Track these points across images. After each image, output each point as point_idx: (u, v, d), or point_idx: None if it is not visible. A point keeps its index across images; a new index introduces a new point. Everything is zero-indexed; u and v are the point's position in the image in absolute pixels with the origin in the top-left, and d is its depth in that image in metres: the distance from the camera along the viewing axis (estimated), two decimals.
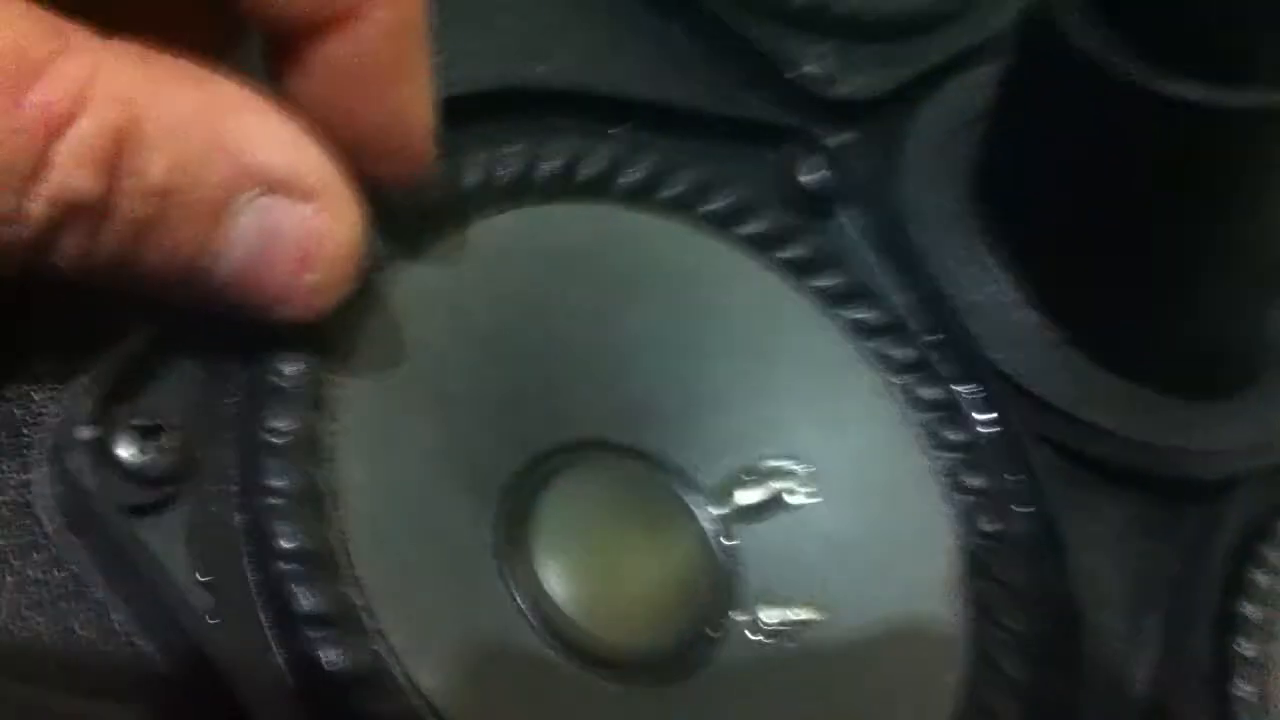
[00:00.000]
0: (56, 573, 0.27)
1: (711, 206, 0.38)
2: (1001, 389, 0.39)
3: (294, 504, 0.29)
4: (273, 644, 0.28)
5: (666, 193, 0.38)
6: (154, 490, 0.28)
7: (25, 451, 0.28)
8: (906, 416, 0.38)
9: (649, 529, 0.36)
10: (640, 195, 0.37)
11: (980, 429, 0.39)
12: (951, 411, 0.38)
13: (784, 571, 0.37)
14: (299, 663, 0.28)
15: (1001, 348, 0.40)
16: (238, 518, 0.29)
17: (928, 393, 0.38)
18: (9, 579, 0.27)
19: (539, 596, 0.34)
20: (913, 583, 0.36)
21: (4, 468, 0.28)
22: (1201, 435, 0.40)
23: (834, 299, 0.39)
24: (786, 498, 0.37)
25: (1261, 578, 0.39)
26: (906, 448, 0.38)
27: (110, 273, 0.26)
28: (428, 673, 0.29)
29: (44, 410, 0.28)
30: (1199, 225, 0.38)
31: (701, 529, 0.37)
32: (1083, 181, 0.40)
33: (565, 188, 0.37)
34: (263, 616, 0.28)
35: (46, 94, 0.24)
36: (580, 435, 0.36)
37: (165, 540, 0.28)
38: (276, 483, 0.29)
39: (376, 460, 0.31)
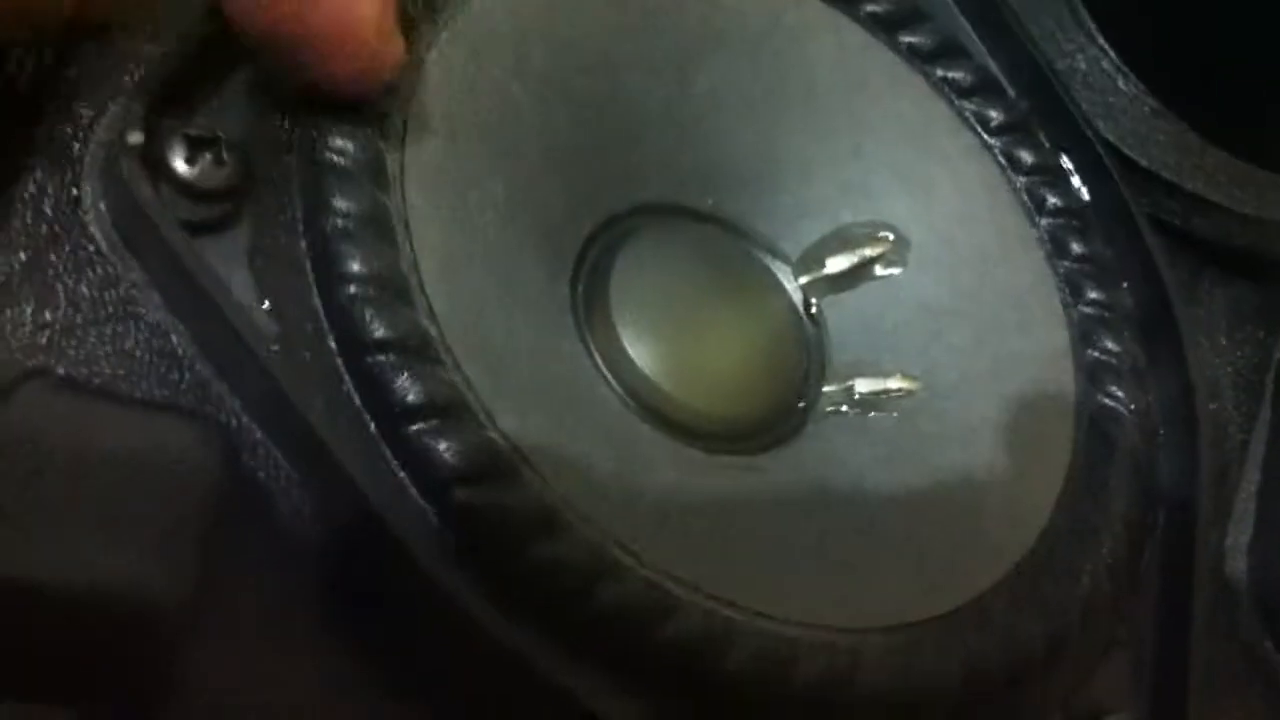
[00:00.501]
0: (111, 292, 0.25)
1: None
2: (1100, 158, 0.37)
3: (361, 227, 0.26)
4: (343, 372, 0.26)
5: None
6: (211, 206, 0.26)
7: (74, 165, 0.26)
8: (1005, 179, 0.35)
9: (732, 295, 0.34)
10: None
11: (1085, 195, 0.36)
12: (1053, 175, 0.36)
13: (876, 341, 0.34)
14: (370, 392, 0.26)
15: (1103, 115, 0.37)
16: (302, 241, 0.26)
17: (1028, 155, 0.36)
18: (61, 297, 0.25)
19: (619, 357, 0.32)
20: (1017, 351, 0.34)
21: (52, 182, 0.26)
22: None
23: (925, 56, 0.36)
24: (877, 267, 0.35)
25: None
26: (1005, 211, 0.35)
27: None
28: (506, 413, 0.26)
29: (92, 122, 0.26)
30: None
31: (788, 296, 0.35)
32: None
33: None
34: (331, 343, 0.26)
35: None
36: (657, 197, 0.34)
37: (226, 262, 0.26)
38: (342, 204, 0.26)
39: (443, 195, 0.29)
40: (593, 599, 0.25)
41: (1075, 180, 0.36)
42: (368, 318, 0.26)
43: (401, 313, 0.26)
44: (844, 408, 0.34)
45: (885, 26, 0.36)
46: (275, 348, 0.25)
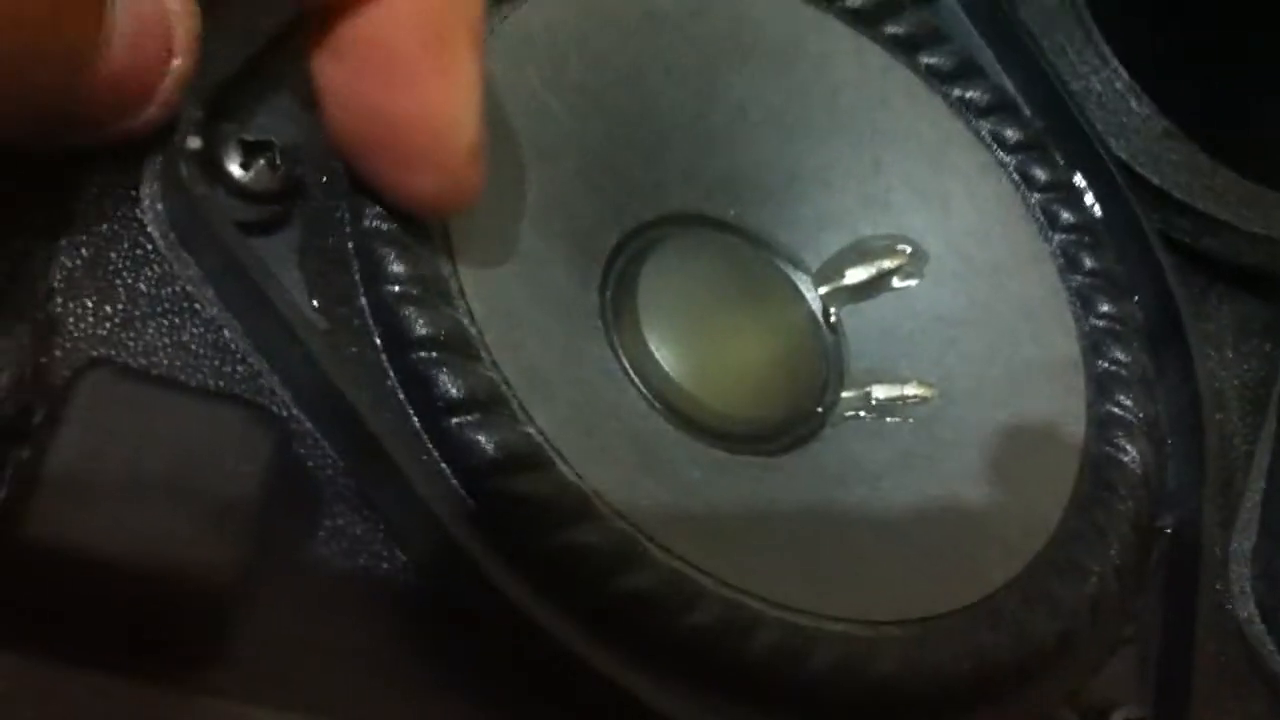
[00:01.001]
0: (168, 288, 0.27)
1: None
2: (1113, 176, 0.38)
3: (405, 230, 0.28)
4: (387, 367, 0.27)
5: None
6: (264, 208, 0.27)
7: (135, 166, 0.27)
8: (1020, 196, 0.37)
9: (754, 303, 0.35)
10: None
11: (1098, 212, 0.37)
12: (1066, 192, 0.37)
13: (893, 350, 0.36)
14: (413, 386, 0.27)
15: (1116, 135, 0.39)
16: (349, 243, 0.28)
17: (1042, 173, 0.37)
18: (121, 292, 0.26)
19: (645, 361, 0.33)
20: (1029, 362, 0.35)
21: (114, 182, 0.27)
22: None
23: (942, 76, 0.37)
24: (894, 278, 0.36)
25: None
26: (1020, 227, 0.36)
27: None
28: (540, 410, 0.28)
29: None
30: None
31: (808, 306, 0.36)
32: None
33: None
34: (377, 340, 0.27)
35: None
36: (683, 207, 0.35)
37: (277, 260, 0.27)
38: (385, 208, 0.28)
39: (482, 201, 0.30)
40: (620, 585, 0.26)
41: (1088, 197, 0.38)
42: (412, 316, 0.27)
43: (443, 312, 0.27)
44: (861, 413, 0.35)
45: (905, 48, 0.37)
46: (324, 343, 0.26)
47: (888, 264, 0.36)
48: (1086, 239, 0.36)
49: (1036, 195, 0.37)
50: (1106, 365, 0.35)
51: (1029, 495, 0.33)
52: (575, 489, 0.27)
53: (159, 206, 0.27)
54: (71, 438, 0.23)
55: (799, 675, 0.27)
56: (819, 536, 0.31)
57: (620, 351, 0.33)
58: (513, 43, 0.32)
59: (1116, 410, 0.34)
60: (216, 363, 0.26)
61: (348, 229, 0.28)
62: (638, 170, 0.34)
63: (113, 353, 0.26)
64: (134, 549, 0.22)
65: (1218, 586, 0.35)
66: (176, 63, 0.26)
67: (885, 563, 0.30)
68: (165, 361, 0.26)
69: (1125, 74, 0.39)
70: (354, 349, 0.27)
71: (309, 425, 0.27)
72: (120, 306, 0.26)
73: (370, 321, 0.27)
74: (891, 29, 0.37)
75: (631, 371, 0.33)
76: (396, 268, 0.27)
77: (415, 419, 0.27)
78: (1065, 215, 0.37)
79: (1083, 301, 0.36)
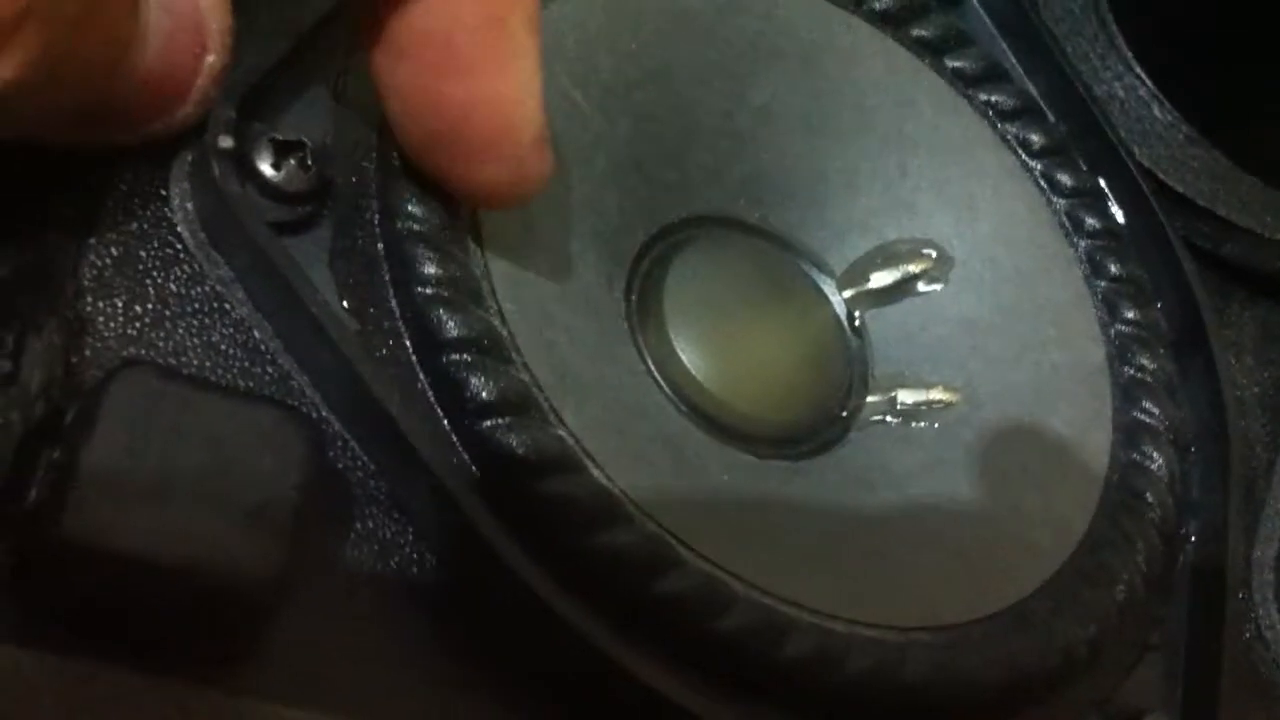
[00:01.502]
0: (198, 288, 0.26)
1: None
2: (1136, 182, 0.38)
3: (436, 231, 0.27)
4: (417, 369, 0.27)
5: None
6: (295, 208, 0.27)
7: (165, 165, 0.27)
8: (1045, 201, 0.37)
9: (779, 306, 0.35)
10: None
11: (1121, 218, 0.37)
12: (1093, 197, 0.37)
13: (917, 355, 0.35)
14: (444, 388, 0.27)
15: (1139, 141, 0.39)
16: (379, 244, 0.27)
17: (1068, 178, 0.37)
18: (151, 291, 0.26)
19: (671, 363, 0.33)
20: (1056, 367, 0.35)
21: (144, 181, 0.27)
22: None
23: (968, 80, 0.37)
24: (919, 282, 0.36)
25: None
26: (1045, 232, 0.36)
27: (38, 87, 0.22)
28: (570, 412, 0.28)
29: None
30: None
31: (832, 309, 0.36)
32: None
33: None
34: (407, 342, 0.27)
35: None
36: (709, 208, 0.35)
37: (308, 261, 0.27)
38: (418, 209, 0.27)
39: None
40: (654, 589, 0.26)
41: (1112, 203, 0.37)
42: (443, 317, 0.27)
43: (474, 313, 0.27)
44: (887, 417, 0.35)
45: (932, 50, 0.37)
46: (356, 344, 0.26)
47: (913, 268, 0.36)
48: (1111, 244, 0.36)
49: (1061, 200, 0.37)
50: (1132, 371, 0.35)
51: (1056, 501, 0.33)
52: (606, 492, 0.26)
53: (189, 206, 0.27)
54: (106, 438, 0.23)
55: (832, 681, 0.27)
56: (848, 541, 0.30)
57: (646, 353, 0.33)
58: (544, 44, 0.32)
59: (1142, 417, 0.34)
60: (246, 363, 0.26)
61: (378, 229, 0.28)
62: (665, 171, 0.34)
63: (143, 352, 0.26)
64: (168, 550, 0.22)
65: (1241, 593, 0.34)
66: (210, 60, 0.25)
67: (914, 568, 0.30)
68: (195, 362, 0.26)
69: (1148, 80, 0.39)
70: (384, 350, 0.27)
71: (339, 427, 0.26)
72: (150, 306, 0.26)
73: (401, 323, 0.27)
74: (918, 31, 0.37)
75: (657, 373, 0.33)
76: (427, 268, 0.27)
77: (445, 421, 0.27)
78: (1090, 220, 0.37)
79: (1108, 307, 0.36)
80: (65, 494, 0.22)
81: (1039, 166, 0.37)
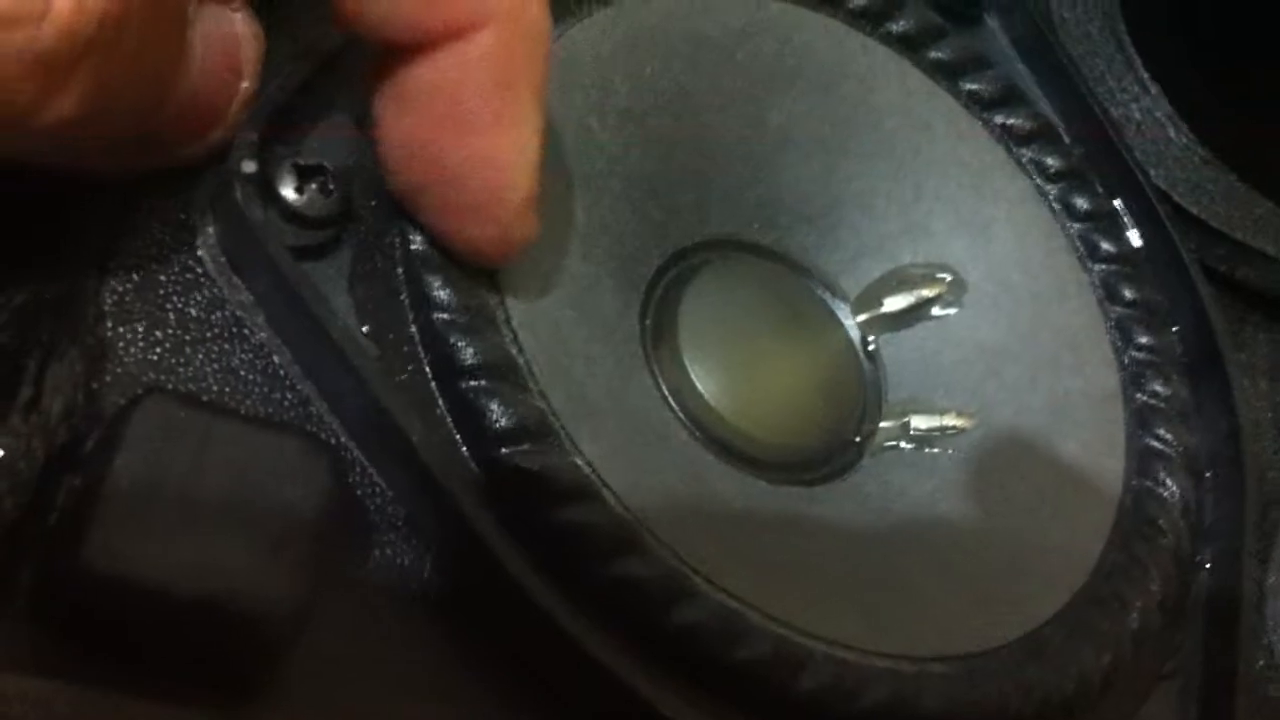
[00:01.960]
0: (217, 313, 0.26)
1: (860, 1, 0.36)
2: (1152, 205, 0.38)
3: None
4: (436, 395, 0.27)
5: None
6: (316, 233, 0.27)
7: (186, 189, 0.27)
8: (1060, 225, 0.37)
9: (793, 331, 0.35)
10: None
11: (1136, 242, 0.37)
12: (1107, 222, 0.37)
13: (931, 380, 0.35)
14: (463, 415, 0.27)
15: (1155, 163, 0.39)
16: (399, 269, 0.27)
17: (1083, 202, 0.37)
18: (171, 316, 0.26)
19: (685, 388, 0.33)
20: (1070, 393, 0.35)
21: (164, 206, 0.27)
22: None
23: (985, 103, 0.37)
24: (934, 307, 0.36)
25: None
26: (1060, 257, 0.36)
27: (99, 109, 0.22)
28: (586, 439, 0.28)
29: None
30: None
31: (846, 333, 0.36)
32: None
33: None
34: (426, 368, 0.27)
35: None
36: (724, 232, 0.35)
37: (328, 286, 0.27)
38: None
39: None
40: (671, 618, 0.26)
41: (1128, 227, 0.37)
42: (461, 344, 0.27)
43: (492, 340, 0.27)
44: (901, 443, 0.35)
45: (948, 73, 0.37)
46: (376, 370, 0.26)
47: (927, 292, 0.36)
48: (1126, 270, 0.36)
49: (1076, 225, 0.37)
50: (1145, 398, 0.35)
51: (1070, 528, 0.33)
52: (624, 520, 0.26)
53: (209, 230, 0.27)
54: (128, 466, 0.23)
55: (848, 712, 0.27)
56: (862, 569, 0.30)
57: (660, 378, 0.33)
58: (560, 67, 0.32)
59: (1156, 443, 0.34)
60: (266, 389, 0.26)
61: (397, 254, 0.28)
62: (680, 195, 0.34)
63: (163, 378, 0.26)
64: (189, 579, 0.22)
65: (1256, 620, 0.34)
66: (245, 85, 0.26)
67: (929, 596, 0.30)
68: (215, 387, 0.26)
69: (1165, 102, 0.39)
70: (403, 376, 0.27)
71: (358, 453, 0.26)
72: (171, 331, 0.26)
73: (420, 348, 0.27)
74: (934, 54, 0.37)
75: (671, 398, 0.33)
76: (445, 294, 0.27)
77: (464, 447, 0.27)
78: (1105, 245, 0.36)
79: (1122, 333, 0.36)
80: (86, 522, 0.22)
81: (1054, 191, 0.37)
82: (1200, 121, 0.39)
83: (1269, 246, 0.39)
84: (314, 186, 0.27)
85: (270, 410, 0.26)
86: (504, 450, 0.26)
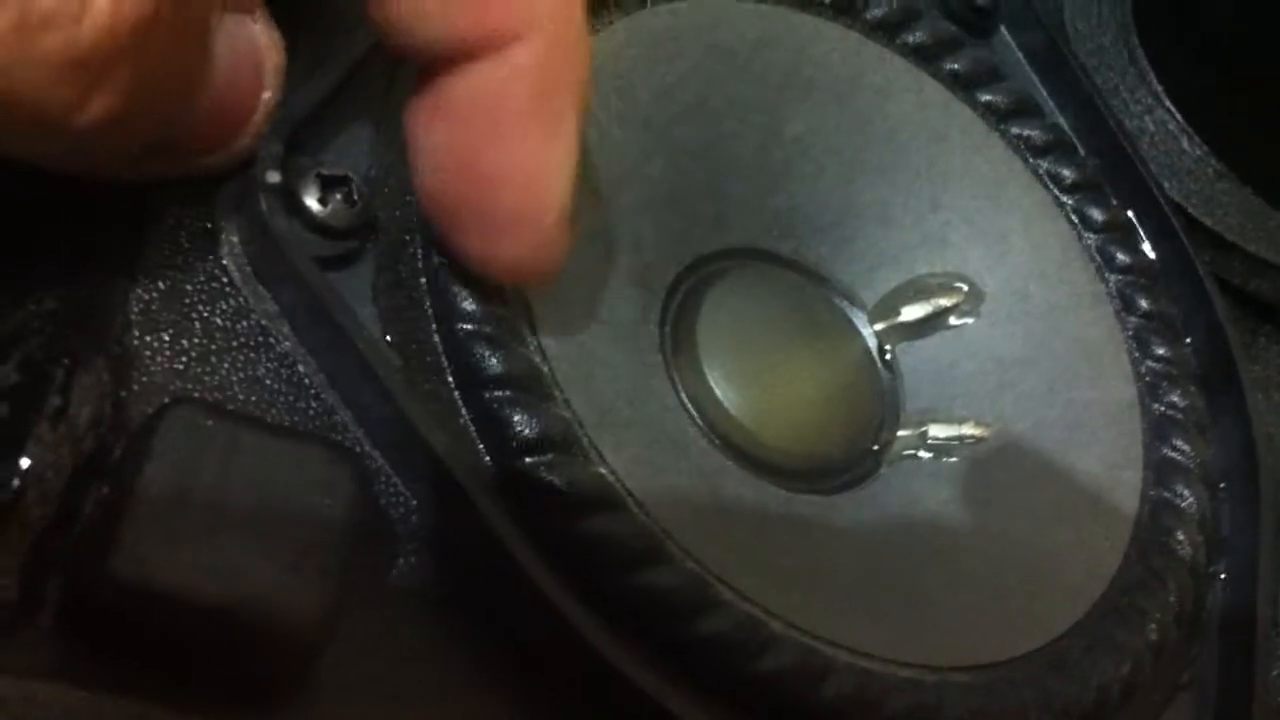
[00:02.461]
0: (243, 322, 0.27)
1: (877, 11, 0.36)
2: (1167, 217, 0.38)
3: None
4: (460, 405, 0.27)
5: None
6: (340, 243, 0.27)
7: (211, 199, 0.27)
8: (1076, 236, 0.37)
9: (811, 340, 0.35)
10: None
11: (1151, 253, 0.37)
12: (1124, 233, 0.37)
13: (949, 389, 0.35)
14: (487, 425, 0.27)
15: (1169, 176, 0.39)
16: (422, 279, 0.28)
17: (1099, 213, 0.37)
18: (197, 325, 0.26)
19: (704, 397, 0.33)
20: (1088, 404, 0.35)
21: (190, 215, 0.27)
22: None
23: (1000, 114, 0.37)
24: (951, 316, 0.36)
25: None
26: (1076, 267, 0.36)
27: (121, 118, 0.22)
28: (610, 449, 0.28)
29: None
30: None
31: (864, 342, 0.36)
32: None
33: None
34: (450, 378, 0.27)
35: None
36: (742, 241, 0.35)
37: (352, 296, 0.27)
38: None
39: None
40: (695, 628, 0.26)
41: (1143, 239, 0.38)
42: (485, 354, 0.27)
43: (516, 350, 0.27)
44: (918, 452, 0.35)
45: (964, 84, 0.37)
46: (401, 380, 0.26)
47: (944, 302, 0.36)
48: (1142, 280, 0.36)
49: (1093, 235, 0.37)
50: (1162, 409, 0.35)
51: (1088, 539, 0.33)
52: (648, 530, 0.27)
53: (235, 240, 0.27)
54: (156, 475, 0.23)
55: None
56: (882, 578, 0.30)
57: (680, 386, 0.33)
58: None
59: (1173, 454, 0.34)
60: (291, 398, 0.26)
61: (420, 264, 0.28)
62: (699, 204, 0.34)
63: (189, 387, 0.26)
64: (216, 589, 0.22)
65: (1272, 633, 0.34)
66: (266, 95, 0.26)
67: (949, 606, 0.30)
68: (240, 396, 0.26)
69: (1178, 114, 0.39)
70: (427, 386, 0.27)
71: (381, 462, 0.26)
72: (196, 340, 0.26)
73: (443, 358, 0.27)
74: (950, 65, 0.37)
75: (691, 407, 0.33)
76: (469, 304, 0.27)
77: (487, 457, 0.27)
78: (1121, 256, 0.37)
79: (1138, 344, 0.36)
80: (114, 531, 0.22)
81: (1070, 201, 0.37)
82: (1214, 134, 0.39)
83: None
84: (338, 197, 0.27)
85: (295, 419, 0.26)
86: (528, 460, 0.26)
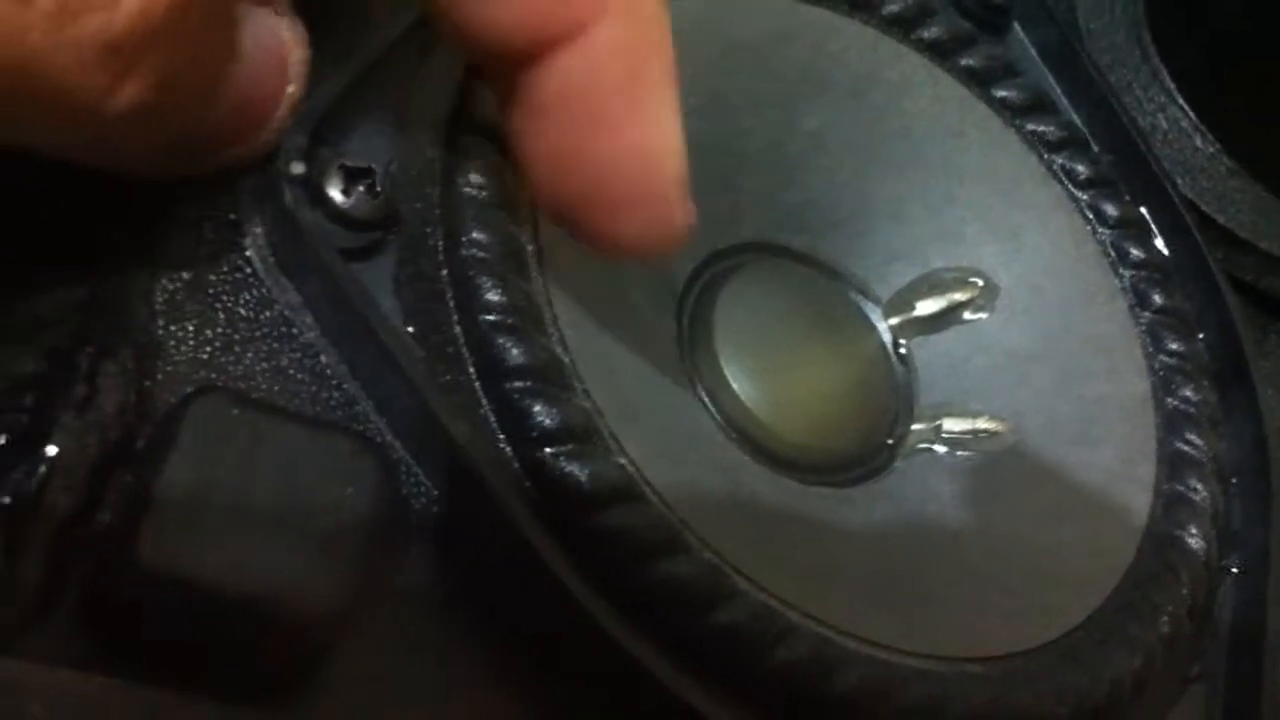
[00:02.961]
0: (266, 312, 0.27)
1: (893, 7, 0.37)
2: (1180, 214, 0.38)
3: (499, 259, 0.28)
4: (481, 396, 0.27)
5: None
6: (362, 234, 0.27)
7: (234, 190, 0.27)
8: (1091, 231, 0.37)
9: (827, 334, 0.36)
10: None
11: (1164, 249, 0.37)
12: (1137, 229, 0.37)
13: (963, 383, 0.36)
14: (508, 416, 0.27)
15: (1182, 173, 0.39)
16: (444, 270, 0.28)
17: (1113, 209, 0.37)
18: (220, 315, 0.26)
19: (721, 390, 0.33)
20: (1102, 398, 0.35)
21: (214, 206, 0.27)
22: None
23: (1016, 110, 0.37)
24: (965, 311, 0.36)
25: None
26: (1090, 263, 0.37)
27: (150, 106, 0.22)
28: (630, 440, 0.28)
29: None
30: None
31: (879, 337, 0.36)
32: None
33: None
34: (470, 369, 0.27)
35: None
36: (757, 235, 0.36)
37: (375, 287, 0.27)
38: (481, 236, 0.28)
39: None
40: (712, 618, 0.26)
41: (1156, 235, 0.38)
42: (507, 345, 0.27)
43: (537, 341, 0.27)
44: (933, 446, 0.35)
45: (979, 80, 0.37)
46: (423, 370, 0.27)
47: (959, 296, 0.36)
48: (1155, 276, 0.37)
49: (1106, 231, 0.37)
50: (1175, 403, 0.35)
51: (1102, 532, 0.33)
52: (667, 521, 0.27)
53: (258, 230, 0.27)
54: (182, 463, 0.23)
55: (884, 713, 0.27)
56: (897, 570, 0.31)
57: (696, 380, 0.33)
58: None
59: (1186, 448, 0.34)
60: (314, 388, 0.27)
61: (442, 256, 0.28)
62: (715, 199, 0.34)
63: (213, 376, 0.26)
64: (241, 578, 0.22)
65: None
66: (290, 89, 0.26)
67: (963, 598, 0.30)
68: (263, 386, 0.26)
69: (1191, 112, 0.39)
70: (448, 376, 0.27)
71: (403, 452, 0.27)
72: (220, 330, 0.26)
73: (464, 349, 0.27)
74: (965, 61, 0.37)
75: (707, 400, 0.33)
76: (491, 295, 0.27)
77: (508, 448, 0.27)
78: (1135, 252, 0.37)
79: (1152, 338, 0.36)
80: (140, 520, 0.22)
81: (1085, 197, 0.37)
82: (1226, 131, 0.40)
83: None
84: (361, 188, 0.27)
85: (317, 409, 0.26)
86: (549, 450, 0.26)
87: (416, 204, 0.28)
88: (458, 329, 0.28)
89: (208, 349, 0.26)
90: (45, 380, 0.23)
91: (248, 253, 0.27)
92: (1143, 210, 0.38)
